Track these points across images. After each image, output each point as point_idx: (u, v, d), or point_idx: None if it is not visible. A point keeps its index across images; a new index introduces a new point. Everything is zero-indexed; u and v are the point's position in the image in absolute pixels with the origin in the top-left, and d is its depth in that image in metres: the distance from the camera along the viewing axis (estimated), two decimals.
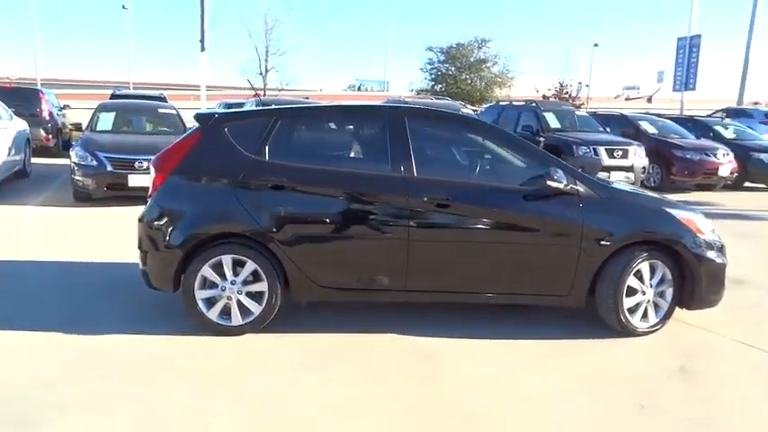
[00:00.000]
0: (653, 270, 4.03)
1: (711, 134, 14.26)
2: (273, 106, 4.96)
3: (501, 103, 14.64)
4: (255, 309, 3.88)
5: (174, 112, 10.80)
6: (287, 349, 3.75)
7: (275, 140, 3.94)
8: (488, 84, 30.54)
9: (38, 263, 5.45)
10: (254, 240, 3.82)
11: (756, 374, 3.59)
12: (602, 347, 3.91)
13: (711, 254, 4.07)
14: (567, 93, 27.28)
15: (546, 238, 3.96)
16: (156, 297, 4.35)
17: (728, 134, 14.57)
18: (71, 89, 32.43)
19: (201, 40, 18.90)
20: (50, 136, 14.06)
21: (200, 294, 3.86)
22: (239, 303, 3.87)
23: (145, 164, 8.61)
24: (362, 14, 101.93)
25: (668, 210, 4.09)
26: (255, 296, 3.89)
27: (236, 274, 3.84)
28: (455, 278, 3.97)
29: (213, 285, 3.87)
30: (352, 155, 4.19)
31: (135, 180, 8.57)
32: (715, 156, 12.45)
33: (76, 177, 8.50)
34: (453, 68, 30.76)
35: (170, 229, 3.82)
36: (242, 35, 56.95)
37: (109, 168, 8.53)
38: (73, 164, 8.60)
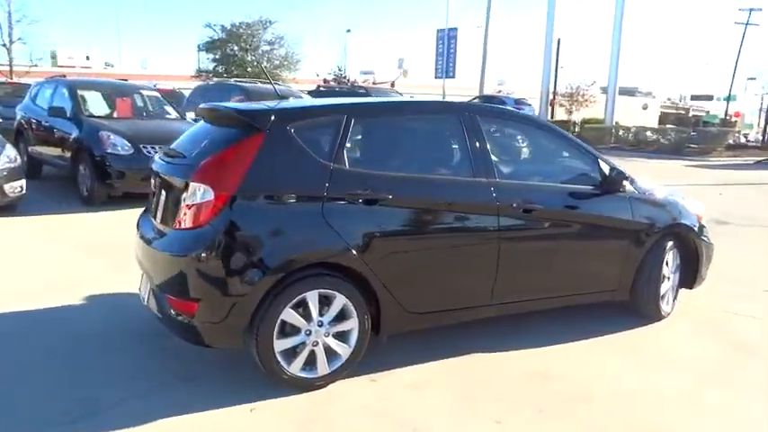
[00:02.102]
0: (673, 257, 4.36)
1: None
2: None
3: (321, 88, 14.33)
4: (344, 351, 3.16)
5: None
6: (403, 392, 3.14)
7: (352, 144, 3.21)
8: (276, 67, 29.43)
9: None
10: (346, 268, 3.09)
11: None
12: (650, 336, 4.08)
13: (707, 237, 4.56)
14: (346, 78, 27.96)
15: (607, 235, 3.99)
16: (142, 352, 3.29)
17: None
18: None
19: None
20: None
21: (280, 345, 3.00)
22: (326, 348, 3.12)
23: None
24: None
25: (680, 201, 4.46)
26: (341, 336, 3.17)
27: (320, 312, 3.08)
28: (536, 284, 3.78)
29: (294, 331, 3.04)
30: (434, 159, 3.62)
31: None
32: None
33: None
34: (237, 48, 28.81)
35: (243, 266, 2.87)
36: None
37: None
38: None
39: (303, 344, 3.05)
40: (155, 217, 3.44)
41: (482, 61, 31.40)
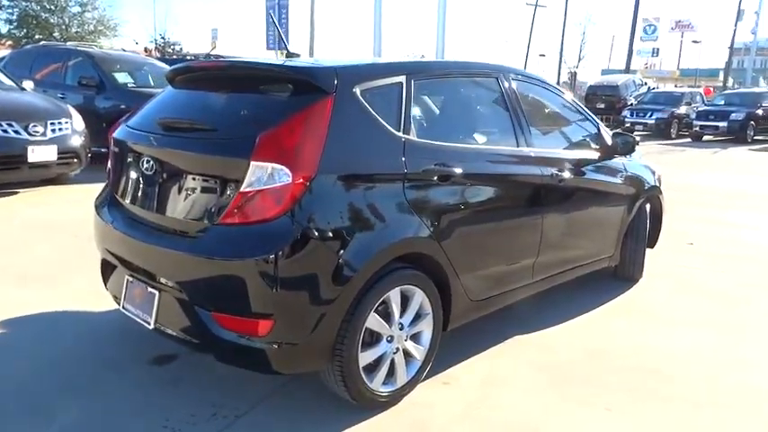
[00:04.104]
0: (648, 218, 4.50)
1: None
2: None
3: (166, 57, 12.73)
4: (419, 354, 2.70)
5: None
6: (486, 391, 2.77)
7: (416, 110, 2.70)
8: (90, 32, 24.99)
9: None
10: (427, 258, 2.62)
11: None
12: (648, 297, 4.16)
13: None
14: (172, 46, 25.23)
15: (612, 201, 3.97)
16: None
17: None
18: None
19: None
20: None
21: (364, 359, 2.46)
22: (406, 353, 2.64)
23: None
24: None
25: (648, 164, 4.60)
26: (415, 337, 2.70)
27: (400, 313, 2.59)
28: (564, 257, 3.61)
29: (376, 339, 2.51)
30: (487, 127, 3.20)
31: None
32: None
33: None
34: (39, 9, 23.80)
35: (332, 266, 2.25)
36: None
37: None
38: None
39: (385, 353, 2.54)
40: (145, 207, 2.62)
41: (310, 30, 30.75)
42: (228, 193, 2.28)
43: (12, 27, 24.30)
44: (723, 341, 3.49)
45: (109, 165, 2.98)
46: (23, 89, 7.49)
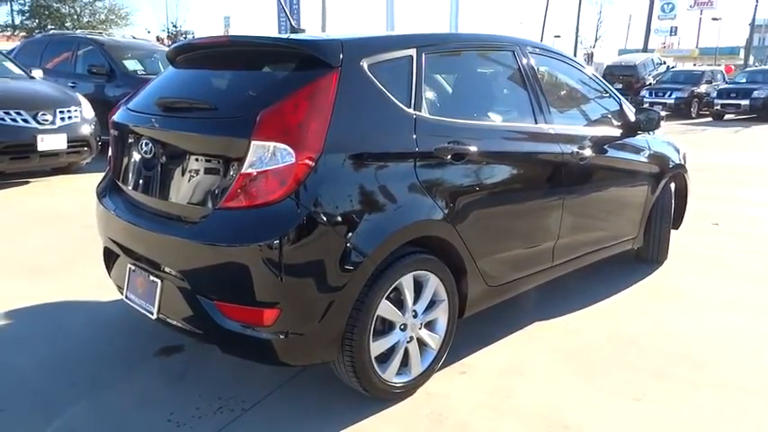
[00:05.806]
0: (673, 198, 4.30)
1: None
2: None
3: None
4: (435, 342, 2.57)
5: None
6: (507, 380, 2.62)
7: (427, 85, 2.55)
8: (102, 21, 24.93)
9: None
10: (441, 242, 2.49)
11: None
12: (675, 280, 4.00)
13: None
14: (183, 34, 25.13)
15: (635, 180, 3.78)
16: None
17: None
18: None
19: None
20: None
21: (376, 349, 2.33)
22: (420, 342, 2.51)
23: None
24: None
25: (673, 141, 4.40)
26: (429, 325, 2.57)
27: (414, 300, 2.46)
28: (585, 239, 3.45)
29: (388, 328, 2.39)
30: (503, 103, 3.04)
31: None
32: None
33: None
34: None
35: (340, 251, 2.12)
36: None
37: None
38: None
39: (399, 342, 2.42)
40: (146, 192, 2.51)
41: (322, 14, 30.51)
42: (230, 175, 2.15)
43: (24, 18, 24.34)
44: (756, 324, 3.32)
45: (110, 150, 2.89)
46: (32, 78, 7.44)
